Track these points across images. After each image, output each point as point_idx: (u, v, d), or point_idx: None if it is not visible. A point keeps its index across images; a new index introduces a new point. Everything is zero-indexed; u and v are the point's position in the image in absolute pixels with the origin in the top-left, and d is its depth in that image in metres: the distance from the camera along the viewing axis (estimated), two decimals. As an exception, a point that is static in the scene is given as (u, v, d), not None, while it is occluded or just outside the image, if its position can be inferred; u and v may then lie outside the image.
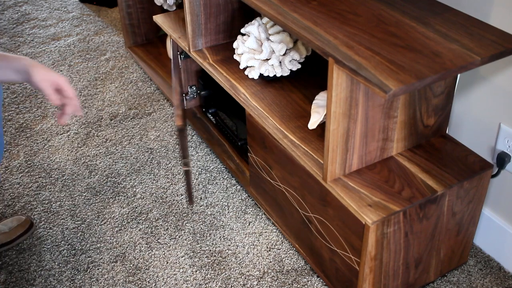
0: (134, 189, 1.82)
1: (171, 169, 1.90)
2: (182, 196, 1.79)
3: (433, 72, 1.03)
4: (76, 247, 1.62)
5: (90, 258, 1.58)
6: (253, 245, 1.60)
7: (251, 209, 1.73)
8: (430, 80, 1.02)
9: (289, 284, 1.49)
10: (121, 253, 1.60)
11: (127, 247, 1.61)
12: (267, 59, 1.59)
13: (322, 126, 1.45)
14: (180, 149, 1.56)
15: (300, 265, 1.54)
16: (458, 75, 1.47)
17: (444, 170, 1.30)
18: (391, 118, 1.28)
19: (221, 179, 1.85)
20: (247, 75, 1.67)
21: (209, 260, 1.56)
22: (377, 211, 1.19)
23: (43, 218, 1.72)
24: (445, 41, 1.13)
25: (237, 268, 1.54)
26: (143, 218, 1.71)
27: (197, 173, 1.88)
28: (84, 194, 1.81)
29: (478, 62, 1.07)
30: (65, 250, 1.62)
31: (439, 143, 1.39)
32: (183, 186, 1.82)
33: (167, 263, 1.56)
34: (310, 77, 1.66)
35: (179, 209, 1.74)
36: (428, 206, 1.26)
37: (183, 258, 1.57)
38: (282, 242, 1.61)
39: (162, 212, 1.73)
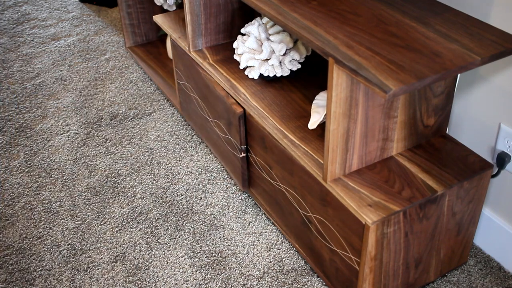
0: (134, 189, 1.82)
1: (171, 169, 1.90)
2: (182, 196, 1.79)
3: (433, 72, 1.03)
4: (76, 247, 1.62)
5: (90, 258, 1.58)
6: (253, 245, 1.60)
7: (251, 209, 1.73)
8: (430, 80, 1.02)
9: (289, 284, 1.49)
10: (121, 253, 1.60)
11: (127, 247, 1.61)
12: (267, 59, 1.59)
13: (322, 126, 1.45)
14: (239, 137, 1.59)
15: (300, 265, 1.54)
16: (458, 75, 1.47)
17: (444, 170, 1.30)
18: (391, 118, 1.28)
19: (221, 179, 1.85)
20: (247, 75, 1.67)
21: (209, 260, 1.56)
22: (377, 211, 1.19)
23: (43, 218, 1.72)
24: (445, 41, 1.13)
25: (237, 268, 1.54)
26: (143, 218, 1.71)
27: (197, 173, 1.88)
28: (84, 194, 1.81)
29: (478, 62, 1.07)
30: (65, 250, 1.62)
31: (439, 143, 1.39)
32: (183, 186, 1.83)
33: (167, 263, 1.56)
34: (310, 77, 1.66)
35: (179, 209, 1.74)
36: (428, 206, 1.26)
37: (183, 258, 1.57)
38: (282, 242, 1.61)
39: (162, 212, 1.73)
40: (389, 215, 1.19)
